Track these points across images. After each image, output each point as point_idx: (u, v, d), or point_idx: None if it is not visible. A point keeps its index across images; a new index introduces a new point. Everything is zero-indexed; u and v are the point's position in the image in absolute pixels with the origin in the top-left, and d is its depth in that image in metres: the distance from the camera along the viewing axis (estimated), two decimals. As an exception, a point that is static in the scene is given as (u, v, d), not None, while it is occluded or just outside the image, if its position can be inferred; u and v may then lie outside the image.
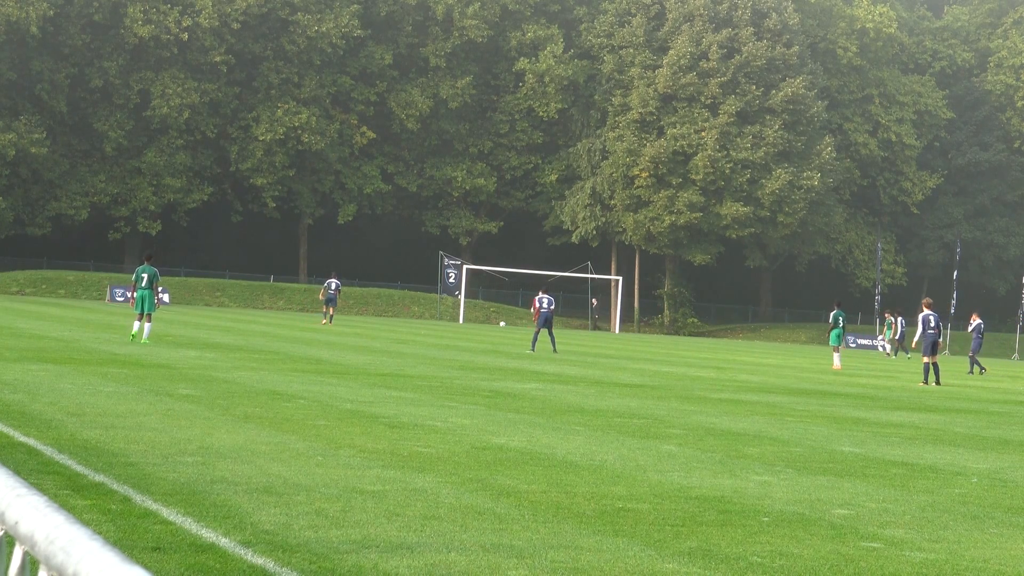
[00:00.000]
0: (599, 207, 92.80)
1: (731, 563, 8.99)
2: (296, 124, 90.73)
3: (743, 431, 18.78)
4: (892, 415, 23.95)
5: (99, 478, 10.84)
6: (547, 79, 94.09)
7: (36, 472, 10.91)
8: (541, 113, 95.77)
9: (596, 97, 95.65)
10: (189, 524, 9.10)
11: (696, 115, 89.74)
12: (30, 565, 3.29)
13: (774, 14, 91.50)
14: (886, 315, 67.81)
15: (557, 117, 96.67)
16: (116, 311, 59.56)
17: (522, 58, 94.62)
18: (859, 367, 49.22)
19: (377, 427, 16.18)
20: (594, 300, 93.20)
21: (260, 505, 9.99)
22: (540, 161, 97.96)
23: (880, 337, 79.69)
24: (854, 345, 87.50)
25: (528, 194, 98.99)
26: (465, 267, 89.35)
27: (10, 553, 3.34)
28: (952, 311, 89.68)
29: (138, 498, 9.98)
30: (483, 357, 37.08)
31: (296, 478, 11.44)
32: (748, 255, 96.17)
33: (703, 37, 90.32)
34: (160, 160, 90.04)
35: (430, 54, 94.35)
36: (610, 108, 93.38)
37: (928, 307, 38.08)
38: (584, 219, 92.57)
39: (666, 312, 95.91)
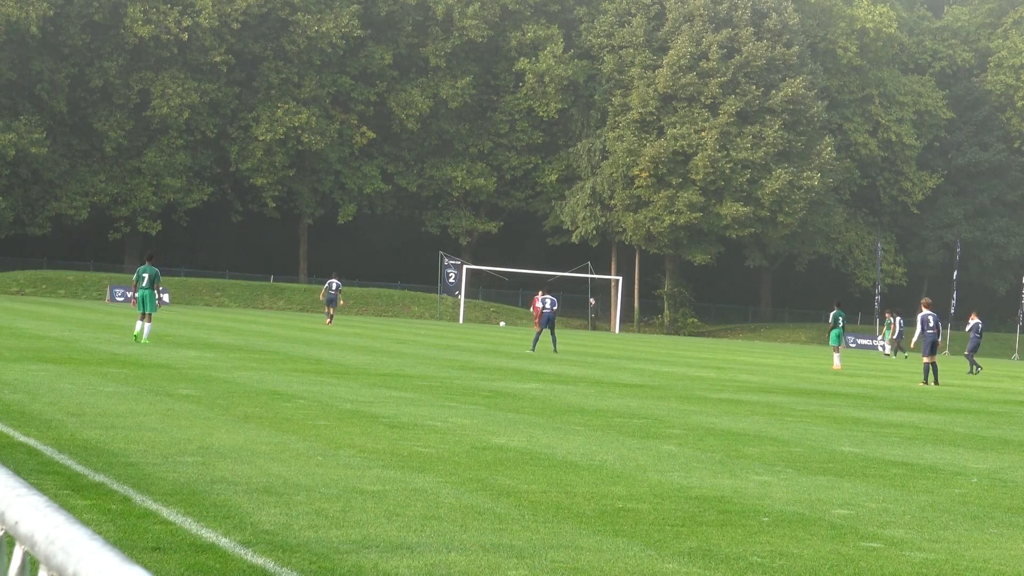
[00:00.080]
0: (599, 207, 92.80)
1: (731, 563, 8.99)
2: (296, 124, 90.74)
3: (743, 431, 18.78)
4: (892, 415, 23.95)
5: (99, 478, 10.84)
6: (547, 79, 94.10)
7: (36, 472, 10.91)
8: (541, 113, 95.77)
9: (596, 97, 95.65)
10: (189, 524, 9.10)
11: (696, 115, 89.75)
12: (30, 565, 3.29)
13: (774, 14, 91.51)
14: (886, 315, 67.85)
15: (557, 117, 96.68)
16: (116, 311, 59.56)
17: (522, 58, 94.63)
18: (859, 367, 49.21)
19: (377, 427, 16.18)
20: (592, 300, 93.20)
21: (260, 505, 9.99)
22: (540, 161, 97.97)
23: (880, 337, 79.69)
24: (854, 345, 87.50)
25: (528, 194, 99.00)
26: (465, 267, 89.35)
27: (10, 553, 3.34)
28: (952, 311, 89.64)
29: (138, 498, 9.99)
30: (483, 357, 37.08)
31: (296, 478, 11.45)
32: (748, 255, 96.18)
33: (703, 37, 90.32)
34: (160, 160, 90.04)
35: (430, 54, 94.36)
36: (610, 108, 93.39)
37: (927, 307, 38.06)
38: (584, 219, 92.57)
39: (666, 312, 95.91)
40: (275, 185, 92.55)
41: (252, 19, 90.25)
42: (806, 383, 33.95)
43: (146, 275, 33.64)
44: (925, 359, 36.76)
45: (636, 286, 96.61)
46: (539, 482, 12.16)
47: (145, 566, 7.58)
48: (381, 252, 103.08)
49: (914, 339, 40.52)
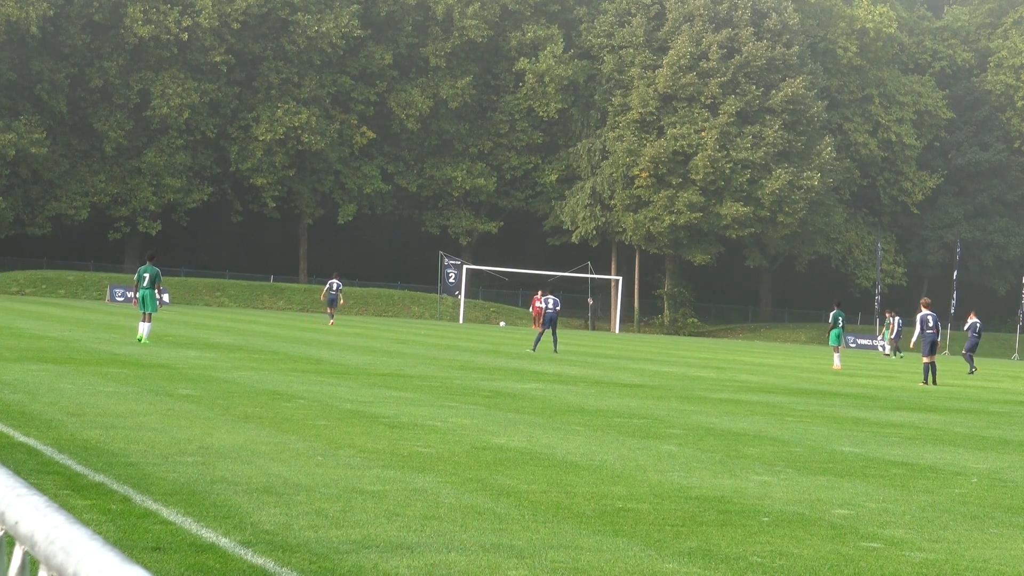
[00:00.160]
0: (599, 207, 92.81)
1: (731, 563, 8.99)
2: (296, 124, 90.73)
3: (743, 431, 18.78)
4: (892, 415, 23.95)
5: (99, 478, 10.84)
6: (547, 79, 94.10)
7: (36, 472, 10.91)
8: (541, 113, 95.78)
9: (596, 97, 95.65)
10: (189, 524, 9.10)
11: (696, 115, 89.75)
12: (30, 565, 3.29)
13: (774, 14, 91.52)
14: (886, 315, 67.87)
15: (557, 117, 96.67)
16: (116, 311, 59.56)
17: (522, 58, 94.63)
18: (859, 367, 49.21)
19: (377, 427, 16.18)
20: (590, 300, 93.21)
21: (260, 505, 9.99)
22: (540, 161, 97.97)
23: (879, 337, 79.69)
24: (854, 345, 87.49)
25: (528, 194, 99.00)
26: (465, 267, 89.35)
27: (10, 553, 3.34)
28: (952, 311, 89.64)
29: (138, 498, 9.99)
30: (483, 357, 37.08)
31: (296, 478, 11.45)
32: (748, 255, 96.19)
33: (703, 37, 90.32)
34: (160, 160, 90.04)
35: (430, 54, 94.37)
36: (610, 108, 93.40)
37: (926, 307, 38.06)
38: (584, 219, 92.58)
39: (666, 312, 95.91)
40: (275, 185, 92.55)
41: (252, 19, 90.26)
42: (806, 383, 33.94)
43: (147, 275, 33.60)
44: (925, 359, 36.75)
45: (636, 286, 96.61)
46: (539, 482, 12.16)
47: (145, 566, 7.58)
48: (381, 252, 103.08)
49: (913, 339, 40.49)
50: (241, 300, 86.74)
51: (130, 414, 15.94)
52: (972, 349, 49.03)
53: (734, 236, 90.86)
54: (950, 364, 56.50)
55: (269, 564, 8.09)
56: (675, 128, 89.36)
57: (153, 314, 33.42)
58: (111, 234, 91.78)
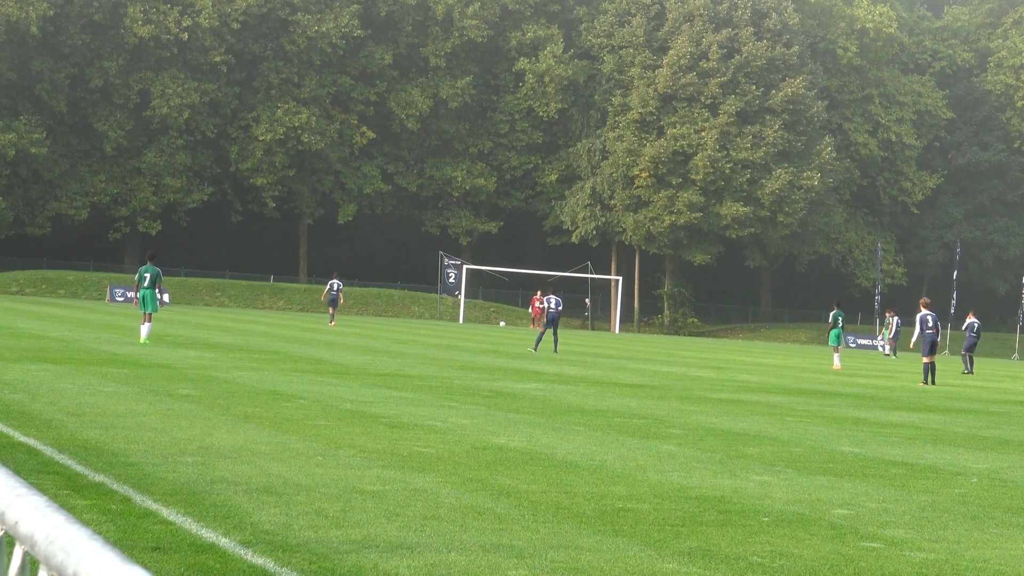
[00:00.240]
0: (599, 207, 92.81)
1: (731, 563, 8.99)
2: (296, 124, 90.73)
3: (743, 431, 18.78)
4: (892, 415, 23.95)
5: (99, 478, 10.84)
6: (547, 79, 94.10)
7: (36, 472, 10.91)
8: (541, 113, 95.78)
9: (596, 97, 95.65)
10: (189, 524, 9.10)
11: (696, 115, 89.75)
12: (30, 565, 3.29)
13: (774, 14, 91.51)
14: (886, 315, 67.88)
15: (557, 117, 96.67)
16: (116, 311, 59.56)
17: (522, 58, 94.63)
18: (859, 367, 49.22)
19: (377, 427, 16.18)
20: (587, 300, 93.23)
21: (260, 505, 9.99)
22: (540, 161, 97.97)
23: (879, 337, 79.68)
24: (854, 345, 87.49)
25: (528, 194, 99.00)
26: (465, 267, 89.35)
27: (10, 553, 3.34)
28: (952, 311, 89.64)
29: (138, 498, 9.99)
30: (483, 357, 37.08)
31: (296, 478, 11.45)
32: (748, 255, 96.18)
33: (703, 37, 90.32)
34: (160, 160, 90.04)
35: (430, 54, 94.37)
36: (610, 108, 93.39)
37: (926, 307, 38.04)
38: (584, 219, 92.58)
39: (666, 312, 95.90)
40: (275, 185, 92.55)
41: (252, 19, 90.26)
42: (806, 383, 33.95)
43: (147, 275, 33.59)
44: (925, 359, 36.74)
45: (636, 286, 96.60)
46: (539, 482, 12.16)
47: (145, 566, 7.58)
48: (381, 252, 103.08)
49: (913, 339, 40.47)
50: (241, 300, 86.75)
51: (130, 414, 15.94)
52: (970, 349, 49.03)
53: (734, 236, 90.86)
54: (950, 364, 56.50)
55: (269, 564, 8.09)
56: (675, 128, 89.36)
57: (153, 314, 33.41)
58: (111, 234, 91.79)
